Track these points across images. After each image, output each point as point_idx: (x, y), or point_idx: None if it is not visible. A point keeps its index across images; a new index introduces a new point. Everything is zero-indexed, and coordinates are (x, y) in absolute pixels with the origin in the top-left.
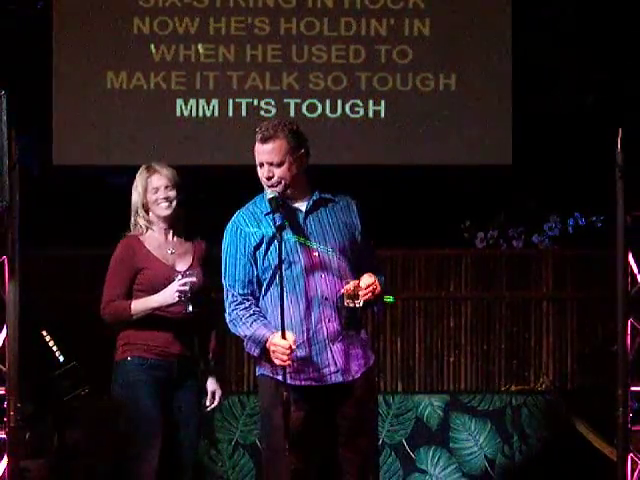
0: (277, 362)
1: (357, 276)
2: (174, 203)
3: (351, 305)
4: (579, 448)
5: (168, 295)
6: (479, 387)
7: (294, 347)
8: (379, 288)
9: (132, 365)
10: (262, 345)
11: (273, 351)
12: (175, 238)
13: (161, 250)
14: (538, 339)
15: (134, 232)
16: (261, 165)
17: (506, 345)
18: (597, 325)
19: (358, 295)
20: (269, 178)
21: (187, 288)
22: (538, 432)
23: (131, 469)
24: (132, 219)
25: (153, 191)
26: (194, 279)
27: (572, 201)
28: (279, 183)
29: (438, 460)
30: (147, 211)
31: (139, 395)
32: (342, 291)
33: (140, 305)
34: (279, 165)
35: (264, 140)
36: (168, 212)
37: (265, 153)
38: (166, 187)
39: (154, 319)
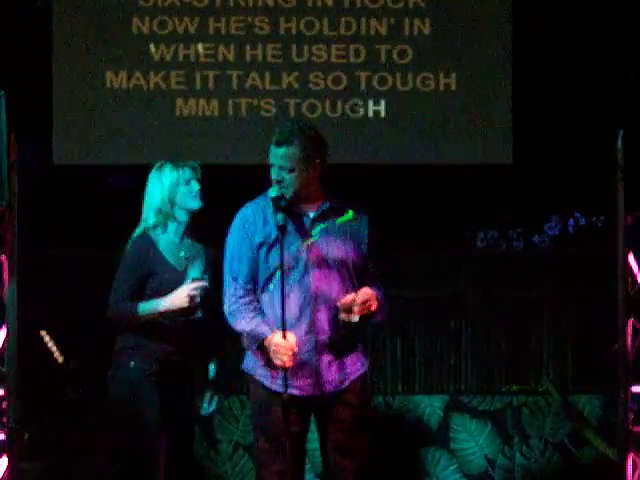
0: (277, 362)
1: (357, 287)
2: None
3: (346, 319)
4: (580, 449)
5: (178, 299)
6: (479, 387)
7: (296, 350)
8: (376, 304)
9: (130, 367)
10: (260, 342)
11: (274, 351)
12: (187, 240)
13: (173, 253)
14: (538, 339)
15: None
16: (272, 166)
17: (506, 345)
18: (597, 325)
19: (353, 309)
20: (278, 182)
21: (197, 292)
22: (539, 433)
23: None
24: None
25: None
26: (206, 284)
27: (572, 201)
28: (288, 188)
29: (438, 461)
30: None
31: (132, 394)
32: (338, 304)
33: (149, 307)
34: (290, 171)
35: (278, 143)
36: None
37: (277, 157)
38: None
39: (147, 323)
